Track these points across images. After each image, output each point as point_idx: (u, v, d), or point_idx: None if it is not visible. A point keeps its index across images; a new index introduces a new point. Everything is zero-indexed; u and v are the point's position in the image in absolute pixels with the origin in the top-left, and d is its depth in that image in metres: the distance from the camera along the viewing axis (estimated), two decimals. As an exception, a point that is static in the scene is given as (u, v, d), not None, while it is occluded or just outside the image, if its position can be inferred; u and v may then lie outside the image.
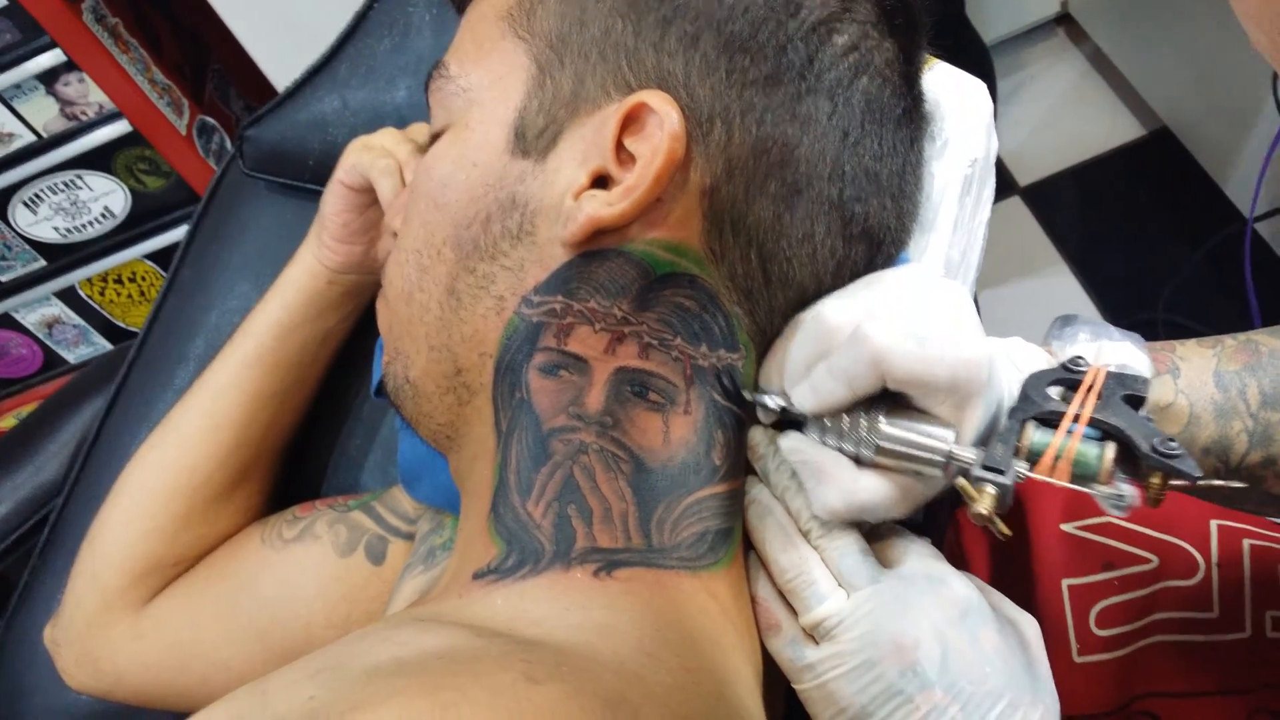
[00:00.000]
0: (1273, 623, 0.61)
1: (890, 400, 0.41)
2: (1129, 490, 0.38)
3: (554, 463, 0.43)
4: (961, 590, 0.43)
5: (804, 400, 0.42)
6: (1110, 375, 0.42)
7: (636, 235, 0.44)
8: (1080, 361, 0.43)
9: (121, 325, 1.68)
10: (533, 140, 0.46)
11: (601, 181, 0.44)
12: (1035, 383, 0.42)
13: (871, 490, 0.42)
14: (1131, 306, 1.56)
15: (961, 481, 0.39)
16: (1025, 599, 0.69)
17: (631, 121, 0.44)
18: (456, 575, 0.44)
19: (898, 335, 0.39)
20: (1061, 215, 1.69)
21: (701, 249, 0.45)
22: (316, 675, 0.34)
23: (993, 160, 0.57)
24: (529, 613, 0.39)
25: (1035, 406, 0.41)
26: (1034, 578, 0.68)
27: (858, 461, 0.42)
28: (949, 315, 0.41)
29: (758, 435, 0.46)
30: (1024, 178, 1.72)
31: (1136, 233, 1.65)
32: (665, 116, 0.43)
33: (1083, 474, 0.39)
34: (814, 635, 0.43)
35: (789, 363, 0.44)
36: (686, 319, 0.44)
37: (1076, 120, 1.76)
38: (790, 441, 0.44)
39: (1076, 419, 0.40)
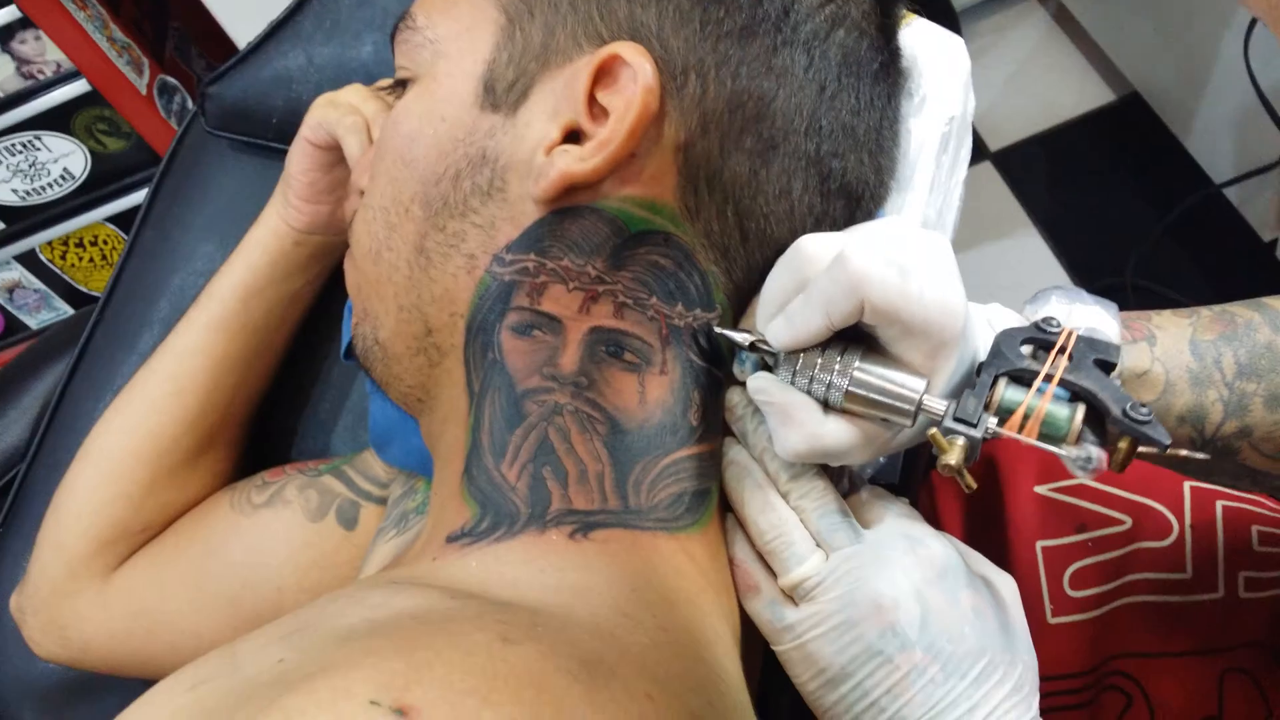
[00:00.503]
0: (1246, 583, 0.62)
1: (862, 348, 0.41)
2: (1096, 453, 0.38)
3: (528, 424, 0.42)
4: (940, 550, 0.42)
5: (778, 333, 0.41)
6: (1081, 338, 0.41)
7: (610, 192, 0.43)
8: (1052, 322, 0.42)
9: (83, 290, 1.64)
10: (502, 94, 0.45)
11: (574, 136, 0.43)
12: (1007, 339, 0.42)
13: (836, 434, 0.41)
14: (1100, 271, 1.57)
15: (933, 431, 0.39)
16: (999, 560, 0.68)
17: (604, 74, 0.43)
18: (430, 538, 0.43)
19: (880, 262, 0.38)
20: (1030, 180, 1.69)
21: (676, 206, 0.44)
22: (287, 638, 0.33)
23: (970, 118, 0.57)
24: (503, 575, 0.38)
25: (1007, 363, 0.40)
26: (1008, 539, 0.68)
27: (826, 406, 0.41)
28: (931, 259, 0.40)
29: (735, 396, 0.46)
30: (994, 142, 1.72)
31: (1106, 198, 1.65)
32: (639, 69, 0.42)
33: (1051, 434, 0.39)
34: (793, 597, 0.43)
35: (763, 295, 0.43)
36: (662, 277, 0.44)
37: (1045, 85, 1.76)
38: (757, 382, 0.43)
39: (1048, 379, 0.39)
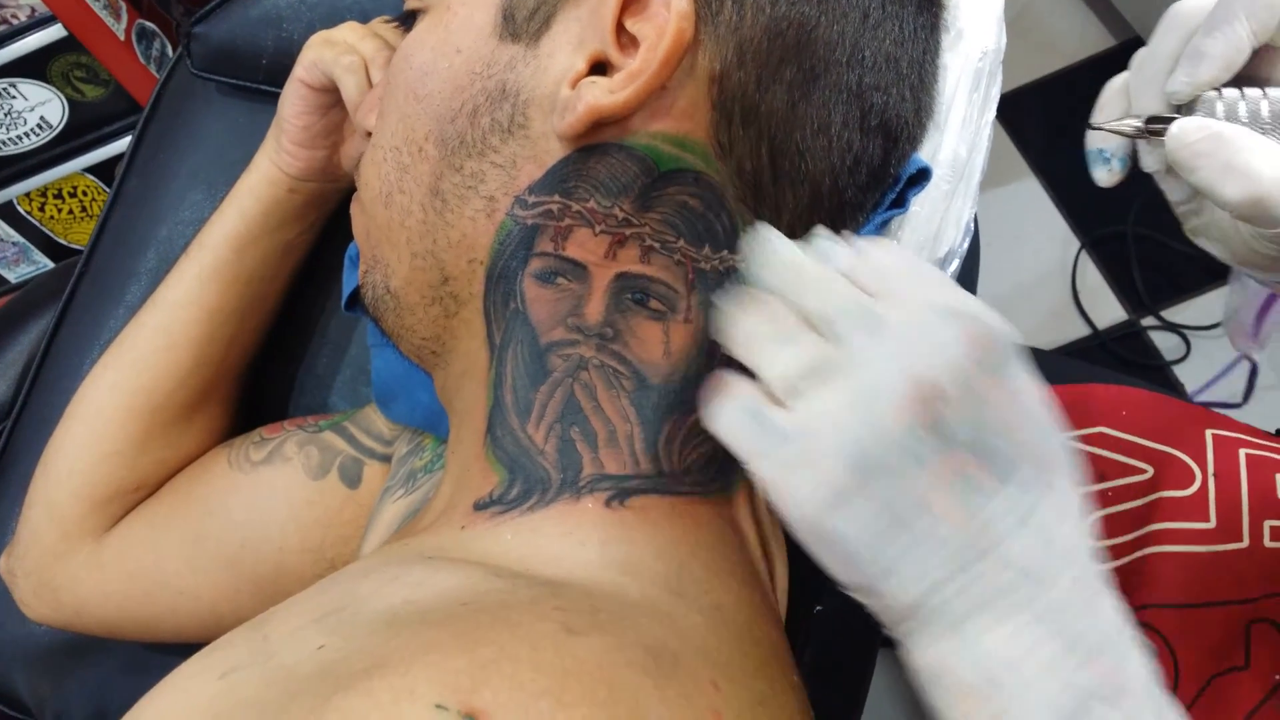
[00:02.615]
0: (1271, 532, 0.61)
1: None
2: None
3: (553, 380, 0.40)
4: (1000, 330, 0.34)
5: (1192, 71, 0.35)
6: None
7: (639, 127, 0.40)
8: None
9: (63, 243, 1.61)
10: (523, 22, 0.42)
11: (600, 68, 0.41)
12: None
13: None
14: (1101, 219, 1.55)
15: None
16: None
17: (633, 0, 0.40)
18: (453, 503, 0.41)
19: None
20: (1030, 127, 1.66)
21: (709, 142, 0.41)
22: (323, 620, 0.31)
23: (1001, 53, 0.54)
24: (544, 549, 0.36)
25: None
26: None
27: None
28: None
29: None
30: (994, 88, 1.69)
31: (1107, 144, 1.63)
32: None
33: None
34: (781, 399, 0.33)
35: (1150, 64, 0.37)
36: (691, 219, 0.41)
37: (1045, 30, 1.73)
38: (1185, 123, 0.35)
39: None
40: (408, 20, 0.47)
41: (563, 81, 0.40)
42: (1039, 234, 1.58)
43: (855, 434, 0.31)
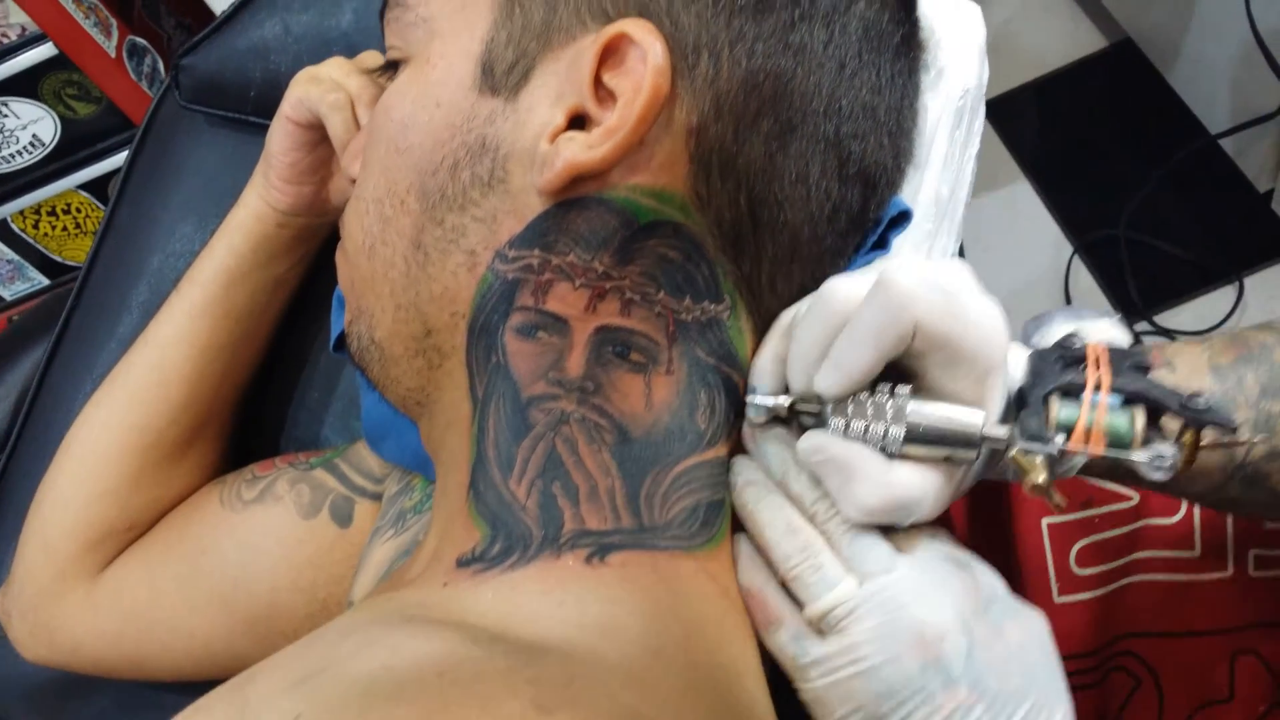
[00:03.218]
0: (1256, 561, 0.61)
1: (908, 388, 0.39)
2: (1168, 449, 0.37)
3: (535, 434, 0.40)
4: (986, 576, 0.40)
5: (829, 381, 0.39)
6: (1110, 349, 0.40)
7: (618, 180, 0.40)
8: (1073, 338, 0.41)
9: (57, 259, 1.61)
10: (502, 76, 0.42)
11: (579, 121, 0.41)
12: (1040, 360, 0.40)
13: (908, 482, 0.38)
14: (1093, 223, 1.55)
15: (1014, 453, 0.37)
16: (1004, 538, 0.68)
17: (610, 54, 0.40)
18: (437, 557, 0.41)
19: (924, 282, 0.36)
20: (1023, 130, 1.66)
21: (687, 194, 0.41)
22: (300, 685, 0.31)
23: (984, 89, 0.54)
24: (522, 609, 0.36)
25: (1051, 380, 0.39)
26: (1013, 516, 0.67)
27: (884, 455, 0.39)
28: (965, 282, 0.38)
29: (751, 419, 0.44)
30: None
31: (1098, 148, 1.63)
32: (648, 48, 0.39)
33: (1117, 441, 0.37)
34: (820, 629, 0.39)
35: (799, 348, 0.41)
36: (670, 271, 0.41)
37: (1037, 31, 1.73)
38: (811, 440, 0.40)
39: (1098, 388, 0.38)
40: (389, 69, 0.47)
41: (541, 136, 0.40)
42: (1031, 238, 1.58)
43: (879, 669, 0.37)
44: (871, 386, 0.39)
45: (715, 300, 0.42)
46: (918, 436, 0.38)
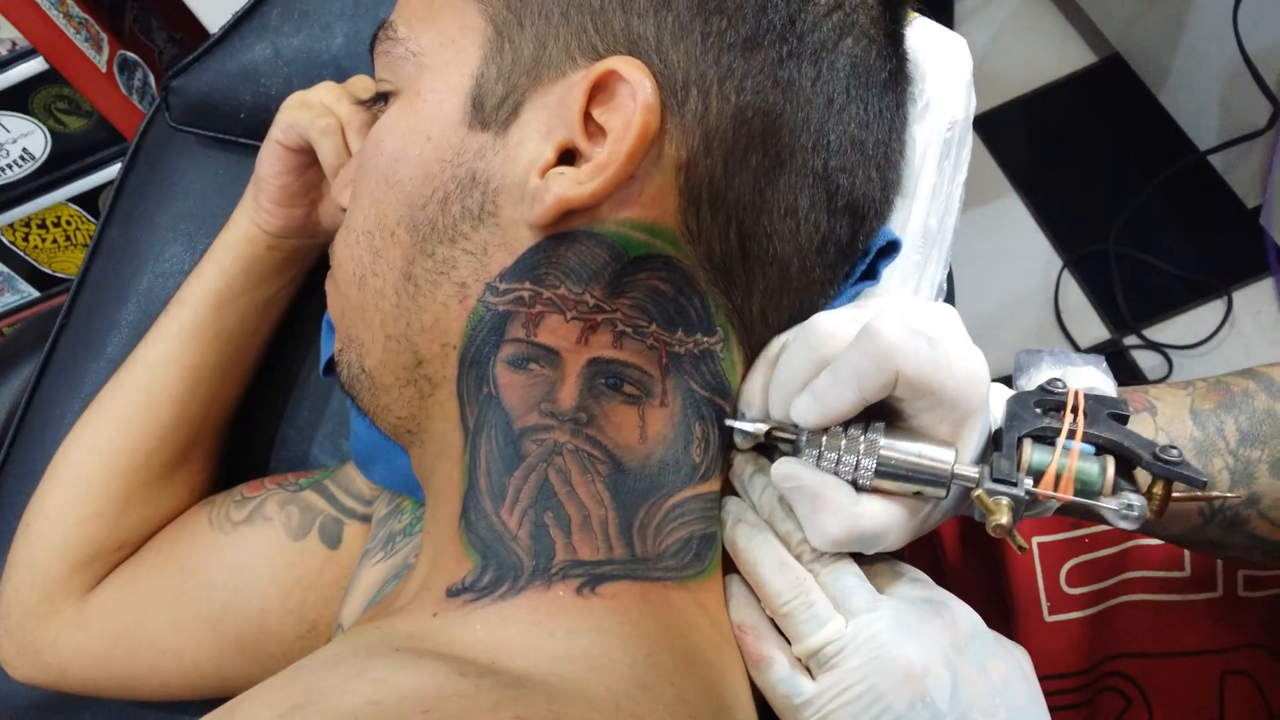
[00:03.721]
0: (1245, 582, 0.61)
1: (882, 424, 0.40)
2: (1137, 500, 0.37)
3: (527, 465, 0.40)
4: (965, 615, 0.41)
5: (805, 412, 0.40)
6: (1089, 396, 0.41)
7: (608, 215, 0.41)
8: (1057, 384, 0.42)
9: (48, 271, 1.60)
10: (492, 110, 0.42)
11: (568, 156, 0.41)
12: (1020, 403, 0.41)
13: (874, 515, 0.39)
14: (1083, 238, 1.56)
15: (978, 493, 0.38)
16: (996, 558, 0.68)
17: (600, 90, 0.40)
18: (427, 585, 0.41)
19: (909, 333, 0.37)
20: (1012, 144, 1.67)
21: (677, 228, 0.41)
22: (288, 716, 0.31)
23: (971, 120, 0.54)
24: (511, 640, 0.36)
25: (1027, 424, 0.40)
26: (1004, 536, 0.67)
27: (855, 487, 0.40)
28: (951, 328, 0.39)
29: (740, 459, 0.44)
30: (975, 106, 1.69)
31: (1088, 163, 1.64)
32: (638, 85, 0.39)
33: (1085, 489, 0.38)
34: (809, 666, 0.40)
35: (780, 377, 0.41)
36: (662, 303, 0.42)
37: (1026, 46, 1.74)
38: (784, 468, 0.41)
39: (1071, 435, 0.39)
40: (379, 100, 0.47)
41: (531, 170, 0.41)
42: (1021, 252, 1.59)
43: (868, 708, 0.38)
44: (846, 422, 0.40)
45: (708, 333, 0.42)
46: (889, 471, 0.39)
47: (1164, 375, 1.47)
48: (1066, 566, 0.66)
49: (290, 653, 0.63)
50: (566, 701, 0.33)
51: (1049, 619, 0.65)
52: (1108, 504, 0.37)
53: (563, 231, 0.41)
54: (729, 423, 0.43)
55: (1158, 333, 1.49)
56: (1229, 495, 0.38)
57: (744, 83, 0.41)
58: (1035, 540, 0.67)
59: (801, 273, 0.44)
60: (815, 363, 0.40)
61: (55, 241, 1.56)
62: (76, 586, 0.65)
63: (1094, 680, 0.64)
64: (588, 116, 0.40)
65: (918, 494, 0.39)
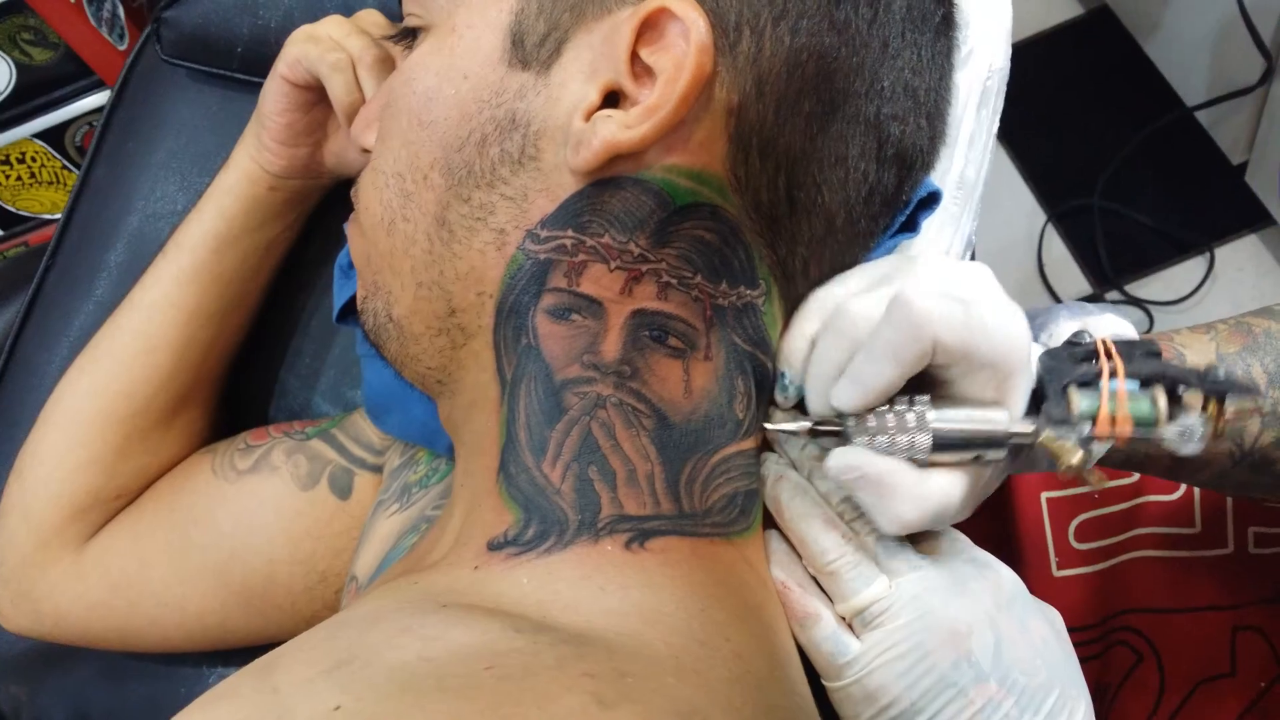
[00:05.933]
0: (1255, 538, 0.62)
1: (926, 398, 0.39)
2: (1193, 421, 0.37)
3: (569, 418, 0.39)
4: (1008, 576, 0.40)
5: (848, 396, 0.38)
6: (1118, 341, 0.41)
7: (654, 161, 0.39)
8: (1083, 335, 0.42)
9: (12, 209, 1.56)
10: (533, 49, 0.40)
11: (612, 97, 0.39)
12: (1053, 357, 0.41)
13: (944, 489, 0.38)
14: (1067, 192, 1.56)
15: (1046, 437, 0.37)
16: (1004, 513, 0.68)
17: (649, 29, 0.38)
18: (463, 539, 0.40)
19: (940, 297, 0.36)
20: (998, 97, 1.66)
21: (725, 176, 0.40)
22: (335, 673, 0.30)
23: (1008, 68, 0.53)
24: (561, 595, 0.35)
25: (1068, 374, 0.39)
26: (1012, 491, 0.67)
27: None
28: (984, 287, 0.38)
29: (778, 415, 0.43)
30: (963, 57, 1.68)
31: (1073, 117, 1.63)
32: (691, 24, 0.37)
33: (1142, 422, 0.38)
34: (852, 624, 0.40)
35: (816, 369, 0.40)
36: (707, 254, 0.40)
37: (1013, -3, 1.72)
38: (845, 459, 0.39)
39: (1114, 375, 0.39)
40: (406, 36, 0.45)
41: (575, 113, 0.39)
42: (1005, 206, 1.59)
43: (913, 666, 0.38)
44: (890, 402, 0.39)
45: (751, 285, 0.41)
46: (944, 443, 0.38)
47: (1145, 330, 1.48)
48: (1075, 522, 0.66)
49: (298, 604, 0.62)
50: (627, 658, 0.32)
51: (1057, 574, 0.66)
52: (1168, 431, 0.37)
53: (607, 177, 0.39)
54: (768, 426, 0.42)
55: (1140, 288, 1.50)
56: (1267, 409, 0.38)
57: (799, 24, 0.39)
58: (1044, 495, 0.67)
59: (847, 224, 0.43)
60: (848, 349, 0.39)
61: (20, 179, 1.51)
62: (73, 535, 0.63)
63: (1104, 635, 0.65)
64: (635, 56, 0.38)
65: (976, 458, 0.39)
